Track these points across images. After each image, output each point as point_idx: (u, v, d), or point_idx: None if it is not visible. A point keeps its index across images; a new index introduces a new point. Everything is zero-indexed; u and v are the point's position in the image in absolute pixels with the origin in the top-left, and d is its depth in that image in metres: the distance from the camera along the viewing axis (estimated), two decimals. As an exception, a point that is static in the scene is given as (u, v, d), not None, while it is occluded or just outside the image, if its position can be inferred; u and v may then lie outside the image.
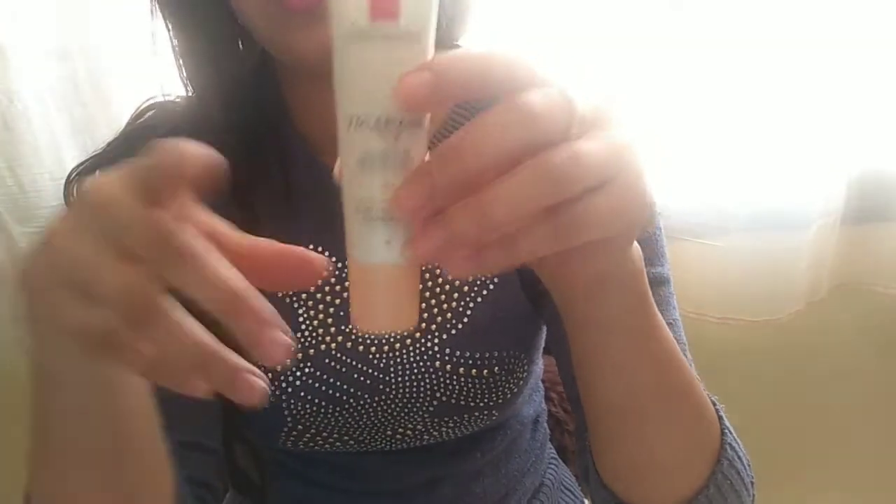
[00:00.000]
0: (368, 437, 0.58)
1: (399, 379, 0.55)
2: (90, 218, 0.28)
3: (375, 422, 0.57)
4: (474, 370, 0.55)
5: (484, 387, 0.56)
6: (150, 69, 0.59)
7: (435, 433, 0.58)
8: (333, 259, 0.56)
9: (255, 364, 0.29)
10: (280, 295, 0.55)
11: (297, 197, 0.55)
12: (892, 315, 1.10)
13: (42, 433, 0.40)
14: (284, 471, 0.65)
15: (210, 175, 0.28)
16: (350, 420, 0.56)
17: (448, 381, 0.55)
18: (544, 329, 0.60)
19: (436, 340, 0.55)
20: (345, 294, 0.56)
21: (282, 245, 0.29)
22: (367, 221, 0.28)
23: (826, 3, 0.87)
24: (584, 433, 0.53)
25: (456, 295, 0.56)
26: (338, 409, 0.55)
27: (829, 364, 1.15)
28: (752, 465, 0.50)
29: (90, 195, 0.28)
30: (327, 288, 0.56)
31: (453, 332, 0.55)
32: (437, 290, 0.56)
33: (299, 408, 0.55)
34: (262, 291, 0.28)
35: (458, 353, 0.55)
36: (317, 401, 0.55)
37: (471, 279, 0.56)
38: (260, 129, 0.55)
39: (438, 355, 0.55)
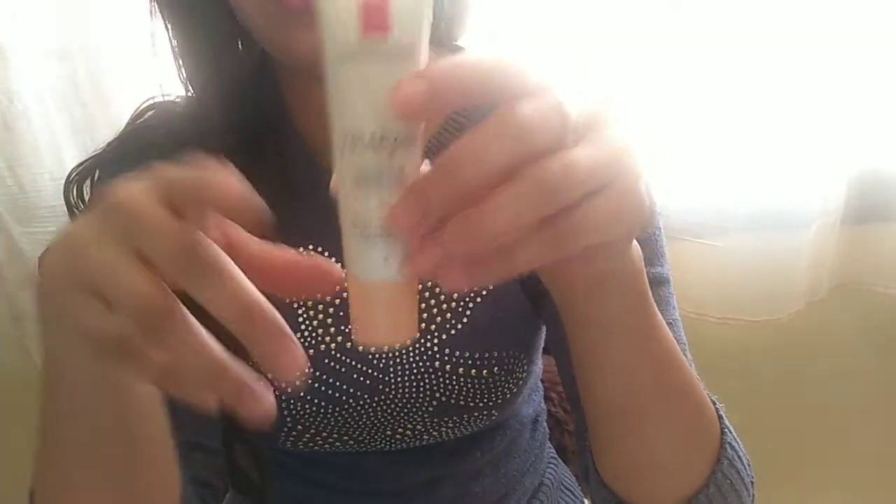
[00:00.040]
0: (368, 438, 0.58)
1: (399, 379, 0.55)
2: (116, 224, 0.28)
3: (375, 422, 0.57)
4: (474, 370, 0.55)
5: (483, 387, 0.56)
6: (150, 69, 0.59)
7: (434, 433, 0.58)
8: (333, 259, 0.55)
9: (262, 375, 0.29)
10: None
11: (297, 197, 0.55)
12: (892, 315, 1.10)
13: (50, 432, 0.40)
14: (284, 471, 0.65)
15: (243, 216, 0.28)
16: (350, 420, 0.56)
17: (448, 381, 0.55)
18: (544, 329, 0.60)
19: (435, 340, 0.55)
20: (344, 294, 0.55)
21: (299, 254, 0.29)
22: (364, 239, 0.28)
23: (826, 3, 0.87)
24: (584, 433, 0.53)
25: (455, 295, 0.56)
26: (337, 409, 0.55)
27: (829, 364, 1.15)
28: (752, 464, 0.50)
29: (117, 201, 0.28)
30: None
31: (453, 332, 0.55)
32: (437, 290, 0.56)
33: (299, 408, 0.55)
34: (263, 291, 0.28)
35: (457, 353, 0.55)
36: (316, 401, 0.55)
37: None
38: (259, 129, 0.55)
39: (438, 355, 0.55)
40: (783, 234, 0.98)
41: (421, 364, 0.55)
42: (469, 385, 0.55)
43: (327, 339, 0.55)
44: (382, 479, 0.63)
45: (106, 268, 0.28)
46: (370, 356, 0.55)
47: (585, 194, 0.27)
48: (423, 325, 0.55)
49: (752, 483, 0.50)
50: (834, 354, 1.14)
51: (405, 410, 0.56)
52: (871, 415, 1.18)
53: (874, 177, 1.00)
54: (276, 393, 0.54)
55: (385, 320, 0.29)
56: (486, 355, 0.55)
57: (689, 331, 0.57)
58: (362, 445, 0.58)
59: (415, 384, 0.55)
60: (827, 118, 0.92)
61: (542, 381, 0.76)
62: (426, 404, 0.56)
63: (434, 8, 0.60)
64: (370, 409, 0.56)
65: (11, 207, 0.93)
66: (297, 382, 0.28)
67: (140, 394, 0.38)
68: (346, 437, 0.57)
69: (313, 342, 0.55)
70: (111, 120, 0.89)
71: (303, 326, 0.55)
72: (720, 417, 0.49)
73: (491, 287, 0.56)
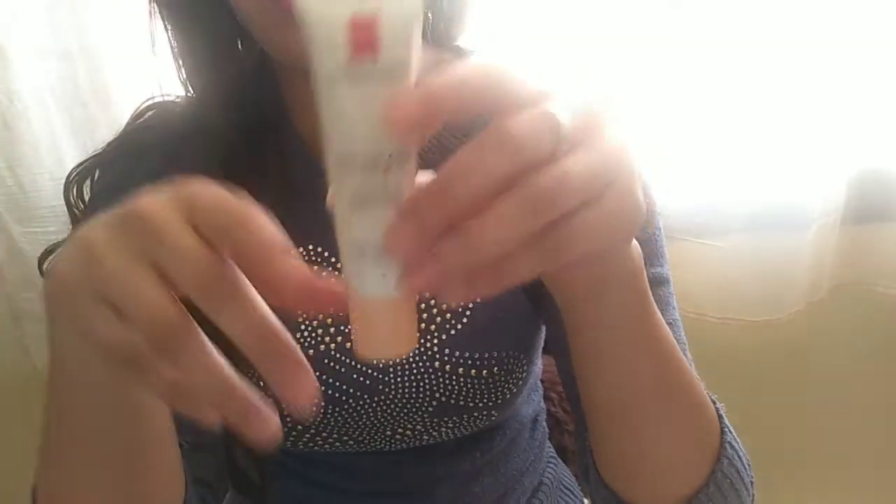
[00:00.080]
0: (368, 438, 0.58)
1: (398, 379, 0.55)
2: (136, 236, 0.28)
3: (375, 422, 0.57)
4: (473, 370, 0.55)
5: (483, 387, 0.56)
6: (150, 69, 0.59)
7: (434, 433, 0.58)
8: (333, 259, 0.56)
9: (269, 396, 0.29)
10: None
11: (297, 197, 0.55)
12: (892, 315, 1.10)
13: (54, 432, 0.40)
14: (284, 471, 0.65)
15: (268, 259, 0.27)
16: (350, 420, 0.56)
17: (447, 382, 0.55)
18: (543, 329, 0.60)
19: (435, 341, 0.55)
20: None
21: (312, 273, 0.29)
22: (361, 257, 0.28)
23: (826, 3, 0.87)
24: (584, 433, 0.53)
25: None
26: (337, 409, 0.55)
27: (829, 364, 1.15)
28: (751, 464, 0.50)
29: (139, 212, 0.28)
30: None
31: (452, 332, 0.55)
32: None
33: None
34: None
35: (457, 353, 0.55)
36: (316, 401, 0.55)
37: None
38: (259, 128, 0.56)
39: (438, 355, 0.55)
40: (783, 234, 0.98)
41: (421, 364, 0.55)
42: (469, 385, 0.55)
43: (327, 339, 0.55)
44: (382, 479, 0.63)
45: (122, 280, 0.27)
46: None
47: (581, 202, 0.27)
48: (423, 325, 0.55)
49: (751, 483, 0.50)
50: (834, 354, 1.14)
51: (405, 411, 0.56)
52: (871, 415, 1.18)
53: (874, 177, 1.00)
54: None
55: (384, 334, 0.29)
56: (486, 355, 0.55)
57: (689, 331, 0.57)
58: (362, 445, 0.58)
59: (414, 384, 0.55)
60: (827, 118, 0.92)
61: (542, 381, 0.76)
62: (426, 404, 0.56)
63: (433, 8, 0.60)
64: (370, 410, 0.56)
65: (11, 207, 0.93)
66: (308, 411, 0.28)
67: (146, 399, 0.38)
68: (345, 438, 0.57)
69: (313, 342, 0.55)
70: (111, 120, 0.89)
71: (303, 326, 0.55)
72: (720, 417, 0.49)
73: None
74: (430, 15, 0.57)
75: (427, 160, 0.30)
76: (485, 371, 0.55)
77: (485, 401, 0.56)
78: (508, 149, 0.25)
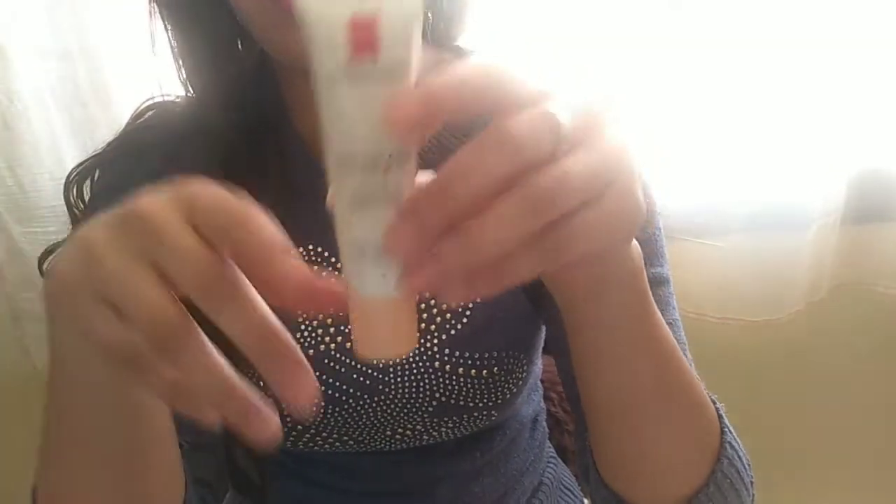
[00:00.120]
0: (368, 438, 0.58)
1: (398, 379, 0.55)
2: (136, 236, 0.28)
3: (375, 422, 0.57)
4: (473, 370, 0.55)
5: (483, 387, 0.56)
6: (150, 69, 0.59)
7: (434, 433, 0.58)
8: (333, 259, 0.56)
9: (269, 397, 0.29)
10: None
11: (296, 196, 0.55)
12: (892, 315, 1.10)
13: (54, 431, 0.40)
14: (284, 471, 0.65)
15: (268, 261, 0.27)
16: (349, 420, 0.56)
17: (447, 382, 0.55)
18: (543, 329, 0.60)
19: (435, 341, 0.55)
20: None
21: (312, 274, 0.29)
22: (361, 257, 0.28)
23: (826, 3, 0.87)
24: (584, 433, 0.53)
25: None
26: (337, 409, 0.55)
27: (829, 364, 1.15)
28: (751, 464, 0.50)
29: (140, 212, 0.28)
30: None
31: (452, 332, 0.55)
32: None
33: None
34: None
35: (457, 353, 0.55)
36: (316, 401, 0.55)
37: None
38: (259, 128, 0.55)
39: (438, 355, 0.55)
40: (783, 234, 0.98)
41: (421, 364, 0.55)
42: (469, 385, 0.55)
43: (327, 339, 0.55)
44: (382, 479, 0.63)
45: (122, 280, 0.27)
46: None
47: (581, 202, 0.27)
48: (423, 325, 0.55)
49: (751, 483, 0.50)
50: (834, 354, 1.14)
51: (405, 411, 0.56)
52: (871, 415, 1.18)
53: (874, 177, 1.00)
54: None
55: (384, 334, 0.30)
56: (486, 355, 0.55)
57: (689, 331, 0.57)
58: (362, 445, 0.58)
59: (414, 384, 0.55)
60: (827, 118, 0.92)
61: (542, 381, 0.76)
62: (426, 404, 0.56)
63: (433, 8, 0.60)
64: (370, 410, 0.56)
65: (11, 207, 0.93)
66: (308, 411, 0.28)
67: (146, 398, 0.38)
68: (345, 438, 0.57)
69: (313, 342, 0.55)
70: (111, 120, 0.89)
71: (303, 327, 0.55)
72: (720, 417, 0.49)
73: None
74: (430, 15, 0.57)
75: (427, 160, 0.30)
76: (485, 371, 0.55)
77: (485, 401, 0.56)
78: (508, 149, 0.25)
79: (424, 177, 0.28)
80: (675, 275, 0.57)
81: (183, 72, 0.54)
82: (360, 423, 0.56)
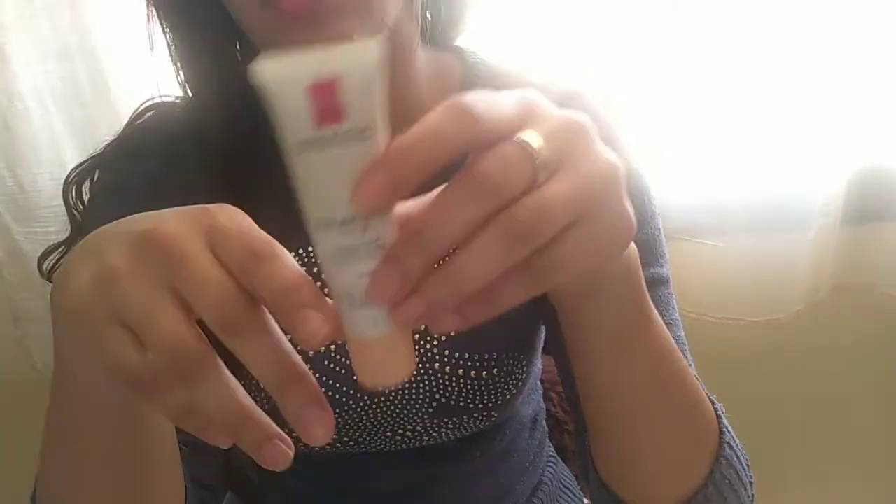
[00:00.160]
0: (368, 438, 0.58)
1: (398, 380, 0.55)
2: (159, 263, 0.28)
3: (375, 423, 0.57)
4: (473, 372, 0.55)
5: (483, 388, 0.56)
6: (150, 69, 0.58)
7: (434, 434, 0.58)
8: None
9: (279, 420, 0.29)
10: None
11: (295, 198, 0.55)
12: (892, 315, 1.09)
13: (58, 438, 0.40)
14: (284, 471, 0.65)
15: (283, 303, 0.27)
16: (349, 421, 0.56)
17: (447, 383, 0.55)
18: (543, 329, 0.60)
19: (434, 342, 0.55)
20: None
21: (327, 307, 0.29)
22: (350, 304, 0.28)
23: (826, 3, 0.87)
24: (584, 433, 0.53)
25: None
26: (337, 410, 0.55)
27: (829, 364, 1.14)
28: (751, 465, 0.50)
29: (164, 238, 0.28)
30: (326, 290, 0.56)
31: (452, 333, 0.55)
32: None
33: None
34: None
35: (456, 354, 0.55)
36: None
37: None
38: (257, 129, 0.55)
39: (437, 357, 0.55)
40: (783, 234, 0.98)
41: (420, 365, 0.55)
42: (468, 386, 0.55)
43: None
44: (382, 480, 0.63)
45: (142, 306, 0.27)
46: None
47: (566, 226, 0.27)
48: (423, 326, 0.55)
49: (751, 483, 0.50)
50: (834, 354, 1.14)
51: (405, 412, 0.56)
52: (870, 415, 1.18)
53: (874, 177, 1.00)
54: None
55: (382, 365, 0.30)
56: (486, 356, 0.55)
57: (689, 331, 0.57)
58: (362, 446, 0.58)
59: (414, 385, 0.55)
60: (827, 118, 0.92)
61: (542, 381, 0.76)
62: (426, 405, 0.56)
63: (431, 9, 0.60)
64: (370, 411, 0.56)
65: (11, 207, 0.93)
66: (322, 442, 0.28)
67: (151, 409, 0.38)
68: (346, 438, 0.57)
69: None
70: (111, 120, 0.89)
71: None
72: (719, 417, 0.49)
73: None
74: (428, 16, 0.57)
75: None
76: (484, 372, 0.55)
77: (484, 402, 0.56)
78: (483, 191, 0.26)
79: (408, 205, 0.28)
80: (675, 275, 0.57)
81: (181, 73, 0.54)
82: (360, 423, 0.57)
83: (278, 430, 0.29)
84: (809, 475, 1.22)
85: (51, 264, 0.62)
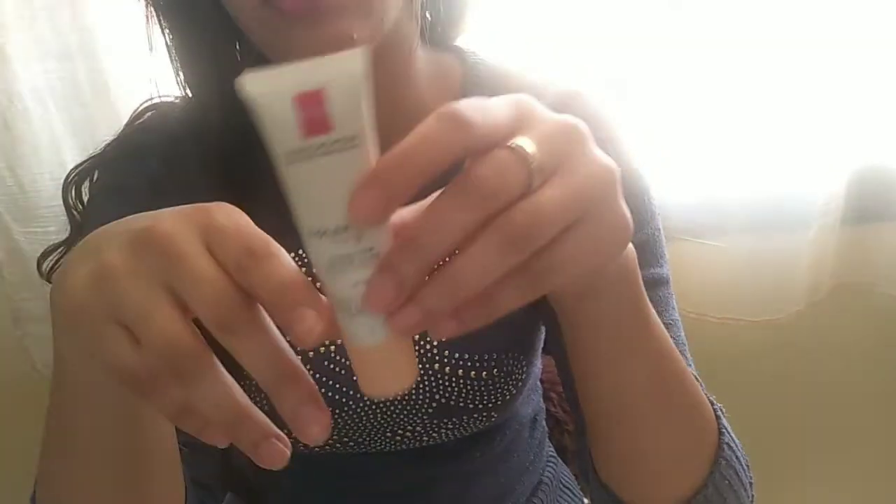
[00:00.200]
0: (368, 439, 0.58)
1: (398, 380, 0.55)
2: (155, 261, 0.28)
3: (375, 423, 0.57)
4: (473, 372, 0.55)
5: (483, 389, 0.56)
6: (151, 69, 0.58)
7: (434, 434, 0.58)
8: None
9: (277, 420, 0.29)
10: None
11: None
12: (892, 315, 1.09)
13: (58, 439, 0.40)
14: (284, 471, 0.65)
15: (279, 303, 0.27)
16: (349, 422, 0.56)
17: (447, 384, 0.55)
18: (543, 330, 0.60)
19: (434, 343, 0.55)
20: None
21: (325, 308, 0.29)
22: (347, 313, 0.28)
23: (826, 3, 0.87)
24: (584, 433, 0.53)
25: None
26: (337, 410, 0.55)
27: (829, 364, 1.14)
28: (751, 465, 0.50)
29: (160, 237, 0.28)
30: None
31: None
32: None
33: None
34: None
35: (456, 355, 0.55)
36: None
37: None
38: (257, 130, 0.55)
39: (437, 357, 0.55)
40: (783, 234, 0.98)
41: (420, 366, 0.55)
42: (468, 387, 0.55)
43: (327, 341, 0.55)
44: (381, 480, 0.63)
45: (138, 304, 0.27)
46: None
47: (561, 230, 0.27)
48: None
49: (750, 484, 0.50)
50: (834, 354, 1.14)
51: (405, 412, 0.56)
52: (871, 415, 1.18)
53: (874, 176, 1.00)
54: None
55: (384, 374, 0.30)
56: (486, 357, 0.55)
57: (689, 331, 0.57)
58: (362, 447, 0.58)
59: (414, 386, 0.55)
60: (827, 118, 0.92)
61: (542, 381, 0.76)
62: (426, 406, 0.56)
63: (431, 9, 0.60)
64: (370, 411, 0.56)
65: (11, 207, 0.93)
66: (318, 441, 0.28)
67: (150, 409, 0.38)
68: (346, 439, 0.57)
69: (313, 343, 0.55)
70: (111, 120, 0.89)
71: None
72: (718, 418, 0.49)
73: None
74: (428, 16, 0.57)
75: None
76: (484, 373, 0.55)
77: (484, 402, 0.56)
78: (478, 197, 0.26)
79: (402, 214, 0.28)
80: (675, 275, 0.57)
81: (181, 74, 0.54)
82: (360, 424, 0.56)
83: (275, 429, 0.29)
84: (809, 475, 1.22)
85: (50, 264, 0.62)
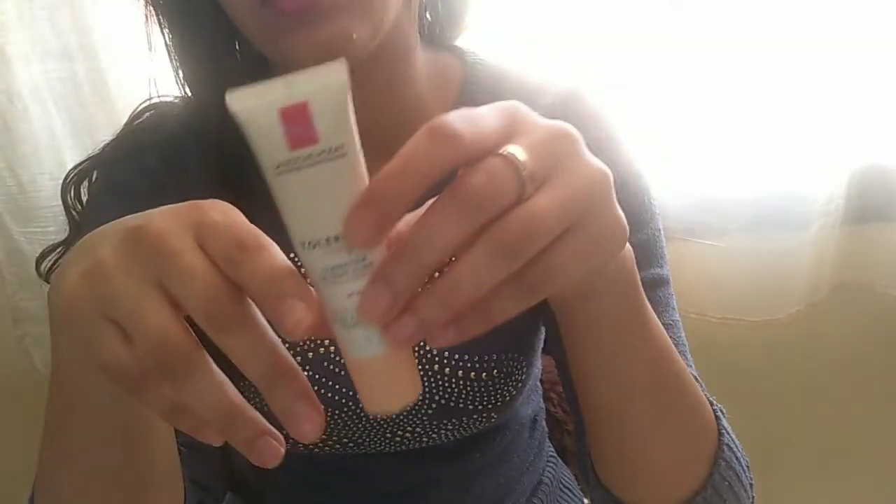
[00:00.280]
0: (367, 440, 0.58)
1: (398, 380, 0.55)
2: (147, 259, 0.28)
3: (374, 424, 0.57)
4: (473, 373, 0.55)
5: (482, 390, 0.56)
6: (150, 69, 0.58)
7: (434, 435, 0.58)
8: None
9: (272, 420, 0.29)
10: None
11: None
12: (892, 315, 1.09)
13: (56, 439, 0.40)
14: (284, 472, 0.65)
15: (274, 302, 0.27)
16: (349, 423, 0.56)
17: (447, 385, 0.55)
18: (542, 331, 0.60)
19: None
20: None
21: (315, 302, 0.29)
22: (344, 328, 0.28)
23: (826, 3, 0.87)
24: (584, 434, 0.53)
25: None
26: (337, 411, 0.55)
27: (829, 364, 1.14)
28: (751, 466, 0.50)
29: (152, 234, 0.28)
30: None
31: None
32: None
33: None
34: None
35: (456, 356, 0.55)
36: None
37: None
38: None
39: (437, 358, 0.55)
40: (783, 234, 0.98)
41: (420, 367, 0.55)
42: (468, 388, 0.55)
43: (326, 342, 0.55)
44: (382, 480, 0.63)
45: (130, 302, 0.27)
46: None
47: (556, 236, 0.27)
48: None
49: (750, 485, 0.50)
50: (834, 354, 1.14)
51: (404, 413, 0.56)
52: (871, 415, 1.18)
53: (875, 176, 1.00)
54: None
55: (385, 388, 0.30)
56: (486, 358, 0.55)
57: (689, 331, 0.57)
58: (362, 447, 0.58)
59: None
60: (827, 118, 0.92)
61: (542, 381, 0.76)
62: (426, 407, 0.56)
63: (430, 9, 0.60)
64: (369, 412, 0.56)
65: (11, 207, 0.93)
66: (311, 439, 0.28)
67: (147, 410, 0.38)
68: (345, 440, 0.57)
69: (313, 345, 0.55)
70: (111, 120, 0.89)
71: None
72: (718, 418, 0.49)
73: None
74: (428, 16, 0.57)
75: None
76: (484, 374, 0.55)
77: (484, 403, 0.56)
78: (470, 207, 0.26)
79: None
80: (675, 275, 0.57)
81: (180, 73, 0.54)
82: (360, 425, 0.56)
83: (269, 426, 0.29)
84: (809, 476, 1.22)
85: (49, 264, 0.62)
